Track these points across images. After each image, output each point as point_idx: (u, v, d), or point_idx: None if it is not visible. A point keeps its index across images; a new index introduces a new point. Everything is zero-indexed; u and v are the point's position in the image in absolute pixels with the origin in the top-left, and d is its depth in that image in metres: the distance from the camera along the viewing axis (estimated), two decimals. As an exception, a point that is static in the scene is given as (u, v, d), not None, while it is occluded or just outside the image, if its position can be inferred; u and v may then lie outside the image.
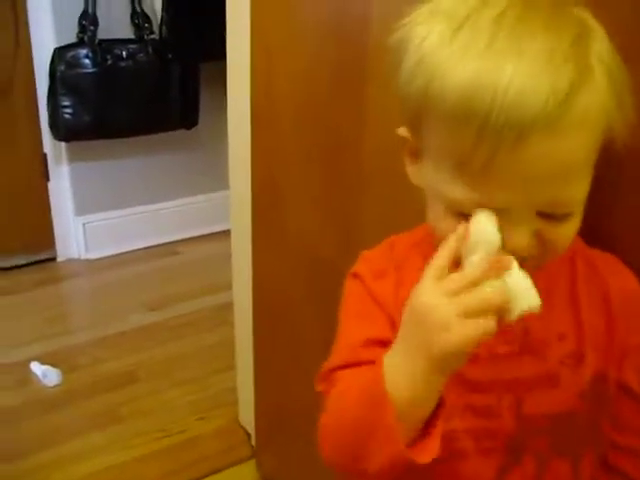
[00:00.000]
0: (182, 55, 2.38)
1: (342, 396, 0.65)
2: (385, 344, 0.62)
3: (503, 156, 0.53)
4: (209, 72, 2.35)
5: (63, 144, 2.44)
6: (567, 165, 0.55)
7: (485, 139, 0.53)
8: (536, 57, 0.53)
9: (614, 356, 0.67)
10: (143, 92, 2.35)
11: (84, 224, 2.60)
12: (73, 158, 2.49)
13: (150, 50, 2.34)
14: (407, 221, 0.98)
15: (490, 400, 0.66)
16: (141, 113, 2.36)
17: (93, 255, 2.64)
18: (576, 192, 0.58)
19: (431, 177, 0.61)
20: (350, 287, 0.74)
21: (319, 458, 1.41)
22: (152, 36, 2.37)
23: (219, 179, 1.53)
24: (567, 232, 0.60)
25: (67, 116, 2.26)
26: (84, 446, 1.68)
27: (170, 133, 2.50)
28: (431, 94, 0.56)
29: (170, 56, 2.37)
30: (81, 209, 2.58)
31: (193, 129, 2.52)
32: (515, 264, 0.55)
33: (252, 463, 1.64)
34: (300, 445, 1.45)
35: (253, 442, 1.66)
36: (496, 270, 0.54)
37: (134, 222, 2.69)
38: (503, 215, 0.56)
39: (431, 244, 0.63)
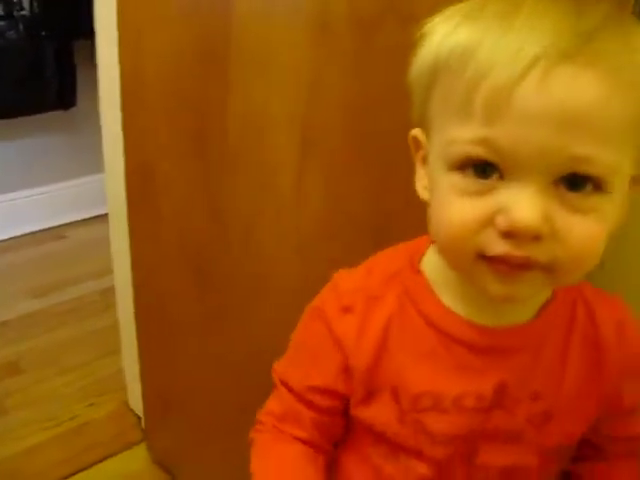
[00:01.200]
0: (56, 32, 2.27)
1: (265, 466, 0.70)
2: (330, 393, 0.64)
3: (518, 85, 0.46)
4: (85, 50, 2.27)
5: None
6: (590, 114, 0.46)
7: (497, 65, 0.46)
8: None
9: (591, 418, 0.63)
10: (15, 72, 2.23)
11: (-42, 212, 2.48)
12: (-57, 143, 2.37)
13: (21, 27, 2.23)
14: (276, 193, 1.00)
15: (447, 451, 0.63)
16: (14, 94, 2.25)
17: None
18: (603, 156, 0.47)
19: (437, 147, 0.54)
20: (311, 324, 0.67)
21: (207, 438, 1.43)
22: (22, 12, 2.25)
23: (100, 160, 1.49)
24: (586, 228, 0.48)
25: None
26: (-32, 442, 1.63)
27: (47, 114, 2.41)
28: (440, 57, 0.51)
29: (43, 33, 2.26)
30: (-46, 196, 2.46)
31: (71, 110, 2.44)
32: None
33: (143, 446, 1.64)
34: (189, 426, 1.46)
35: (143, 425, 1.65)
36: None
37: (12, 208, 2.58)
38: (511, 179, 0.48)
39: (408, 277, 0.62)
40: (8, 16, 2.23)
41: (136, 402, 1.67)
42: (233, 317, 1.13)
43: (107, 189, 1.48)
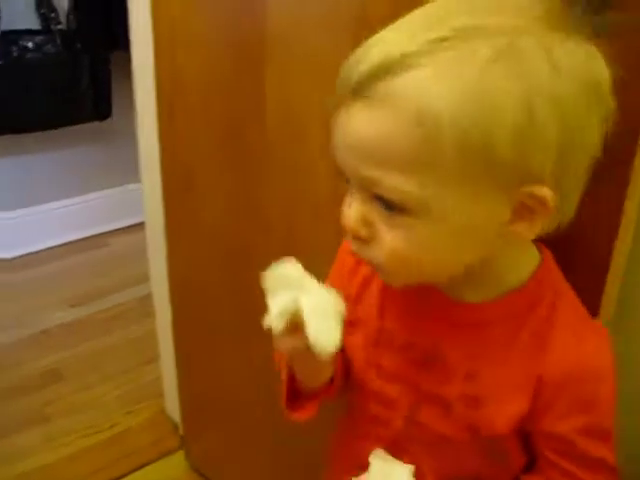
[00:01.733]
0: (91, 45, 2.32)
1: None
2: None
3: (337, 115, 0.56)
4: (120, 61, 2.30)
5: (-29, 141, 2.36)
6: (377, 152, 0.53)
7: (336, 96, 0.56)
8: (409, 27, 0.54)
9: (527, 424, 0.64)
10: (53, 84, 2.28)
11: (-2, 223, 2.53)
12: (-18, 155, 2.42)
13: (58, 41, 2.27)
14: (308, 201, 1.00)
15: (393, 392, 0.70)
16: (51, 106, 2.30)
17: (9, 254, 2.56)
18: (389, 180, 0.53)
19: None
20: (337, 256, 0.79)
21: (245, 444, 1.43)
22: (59, 26, 2.29)
23: (138, 169, 1.51)
24: (391, 240, 0.56)
25: (-26, 111, 2.19)
26: (10, 449, 1.65)
27: (84, 125, 2.44)
28: None
29: (79, 46, 2.30)
30: (-7, 208, 2.51)
31: (107, 120, 2.48)
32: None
33: (181, 453, 1.65)
34: (227, 432, 1.47)
35: (181, 432, 1.66)
36: None
37: (51, 218, 2.62)
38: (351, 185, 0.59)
39: None
40: (45, 30, 2.28)
41: (174, 409, 1.68)
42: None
43: (144, 198, 1.49)
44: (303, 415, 0.73)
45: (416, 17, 0.55)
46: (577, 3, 0.53)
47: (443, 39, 0.50)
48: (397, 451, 0.69)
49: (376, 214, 0.56)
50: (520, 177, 0.53)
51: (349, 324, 0.65)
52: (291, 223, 1.06)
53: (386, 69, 0.51)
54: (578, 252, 0.70)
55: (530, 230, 0.56)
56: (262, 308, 1.22)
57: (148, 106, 1.30)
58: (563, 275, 0.66)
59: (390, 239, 0.56)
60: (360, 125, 0.53)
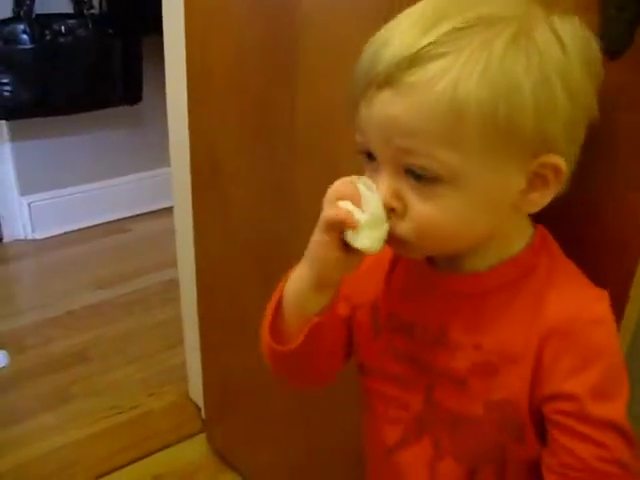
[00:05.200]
0: (123, 29, 2.34)
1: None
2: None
3: (362, 102, 0.60)
4: (152, 46, 2.30)
5: (4, 123, 2.39)
6: (410, 127, 0.57)
7: (355, 85, 0.61)
8: (421, 20, 0.58)
9: (536, 389, 0.63)
10: (84, 68, 2.30)
11: (29, 204, 2.56)
12: (15, 137, 2.45)
13: (90, 25, 2.29)
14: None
15: (408, 373, 0.71)
16: (83, 89, 2.32)
17: (40, 235, 2.60)
18: (420, 149, 0.58)
19: None
20: None
21: (267, 429, 1.44)
22: (92, 10, 2.31)
23: (166, 154, 1.52)
24: (423, 209, 0.60)
25: (6, 94, 2.21)
26: (36, 427, 1.68)
27: (114, 109, 2.46)
28: None
29: (111, 31, 2.33)
30: (26, 189, 2.55)
31: (137, 105, 2.49)
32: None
33: (203, 437, 1.66)
34: (249, 417, 1.48)
35: (203, 416, 1.68)
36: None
37: (80, 200, 2.66)
38: (379, 166, 0.61)
39: None
40: (78, 14, 2.30)
41: (197, 393, 1.69)
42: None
43: (173, 183, 1.50)
44: (292, 342, 0.70)
45: (427, 9, 0.59)
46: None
47: (460, 29, 0.55)
48: (419, 432, 0.71)
49: (407, 187, 0.60)
50: (537, 148, 0.58)
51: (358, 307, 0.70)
52: (320, 209, 1.06)
53: (410, 61, 0.56)
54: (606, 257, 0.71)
55: (543, 199, 0.61)
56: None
57: (178, 91, 1.31)
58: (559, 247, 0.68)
59: (422, 208, 0.59)
60: (393, 109, 0.57)
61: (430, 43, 0.55)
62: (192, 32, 1.23)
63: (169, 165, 1.51)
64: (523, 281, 0.65)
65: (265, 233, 1.21)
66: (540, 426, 0.65)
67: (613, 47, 0.63)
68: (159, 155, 2.51)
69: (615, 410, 0.61)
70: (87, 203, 2.67)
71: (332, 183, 0.96)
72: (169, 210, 1.59)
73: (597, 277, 0.66)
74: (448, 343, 0.67)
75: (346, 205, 0.61)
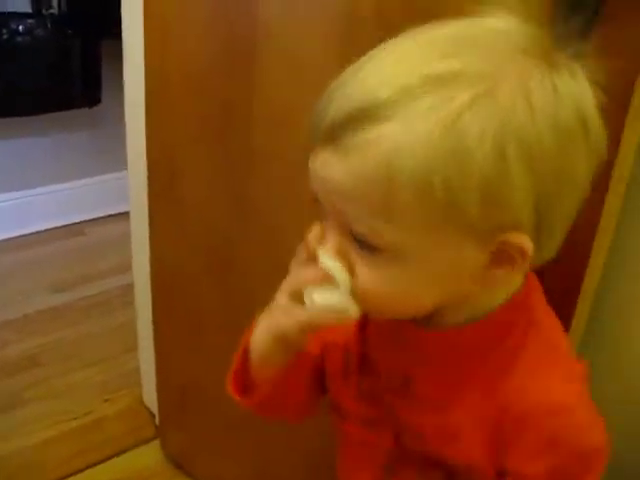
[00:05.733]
0: (82, 30, 2.30)
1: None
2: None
3: (313, 151, 0.56)
4: (111, 48, 2.28)
5: (-42, 123, 2.34)
6: (348, 193, 0.53)
7: (310, 130, 0.56)
8: (381, 71, 0.53)
9: (499, 456, 0.61)
10: (42, 68, 2.25)
11: (-16, 206, 2.51)
12: (-31, 138, 2.40)
13: (49, 25, 2.25)
14: (298, 190, 1.00)
15: (377, 414, 0.69)
16: (40, 91, 2.28)
17: (-5, 237, 2.55)
18: (367, 224, 0.54)
19: None
20: None
21: (221, 437, 1.43)
22: (51, 10, 2.27)
23: (124, 158, 1.50)
24: (362, 275, 0.57)
25: (-39, 93, 2.17)
26: (-12, 431, 1.65)
27: (72, 111, 2.42)
28: None
29: (70, 31, 2.28)
30: (-20, 191, 2.49)
31: (96, 107, 2.46)
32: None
33: (157, 443, 1.65)
34: (203, 423, 1.47)
35: (157, 422, 1.66)
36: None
37: (37, 203, 2.60)
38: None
39: None
40: (37, 14, 2.26)
41: (151, 399, 1.68)
42: (254, 313, 1.14)
43: (130, 186, 1.49)
44: (256, 399, 0.70)
45: (388, 58, 0.54)
46: (560, 24, 0.53)
47: (415, 86, 0.50)
48: (391, 474, 0.70)
49: (352, 248, 0.57)
50: (492, 226, 0.52)
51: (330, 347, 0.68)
52: (275, 216, 1.07)
53: (354, 120, 0.51)
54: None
55: (510, 275, 0.56)
56: (244, 299, 1.22)
57: (137, 95, 1.30)
58: (545, 300, 0.64)
59: (364, 275, 0.57)
60: (328, 169, 0.54)
61: (381, 102, 0.50)
62: (151, 36, 1.22)
63: (127, 168, 1.50)
64: (496, 343, 0.61)
65: (221, 239, 1.21)
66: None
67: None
68: (117, 158, 2.49)
69: None
70: (45, 205, 2.62)
71: (287, 191, 0.96)
72: (124, 215, 1.58)
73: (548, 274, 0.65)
74: (412, 396, 0.65)
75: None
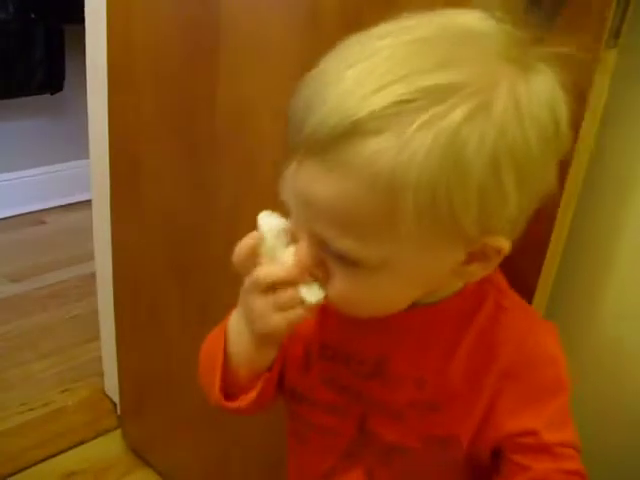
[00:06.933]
0: (46, 15, 2.27)
1: (207, 340, 0.72)
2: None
3: (293, 159, 0.53)
4: (74, 34, 2.25)
5: None
6: (336, 215, 0.51)
7: (290, 134, 0.53)
8: (368, 79, 0.48)
9: (485, 428, 0.63)
10: (3, 53, 2.22)
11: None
12: None
13: (11, 9, 2.21)
14: (260, 181, 1.00)
15: (340, 401, 0.69)
16: (1, 75, 2.25)
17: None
18: (350, 247, 0.52)
19: None
20: None
21: (182, 427, 1.43)
22: (13, -6, 2.24)
23: (85, 146, 1.49)
24: (353, 288, 0.56)
25: None
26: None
27: (34, 97, 2.39)
28: None
29: (33, 16, 2.25)
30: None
31: (58, 94, 2.43)
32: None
33: (118, 433, 1.64)
34: (164, 414, 1.46)
35: (119, 412, 1.65)
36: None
37: (-6, 190, 2.57)
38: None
39: None
40: (-2, -2, 2.22)
41: (112, 389, 1.67)
42: (214, 305, 1.14)
43: (92, 175, 1.47)
44: (243, 402, 0.67)
45: (371, 64, 0.49)
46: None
47: (408, 100, 0.47)
48: (351, 461, 0.70)
49: (329, 257, 0.55)
50: (480, 232, 0.52)
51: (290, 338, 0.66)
52: (237, 207, 1.06)
53: (344, 132, 0.48)
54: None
55: (484, 271, 0.58)
56: (205, 290, 1.22)
57: (99, 82, 1.29)
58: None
59: (342, 285, 0.56)
60: (314, 184, 0.51)
61: (373, 114, 0.47)
62: (114, 22, 1.21)
63: (89, 157, 1.48)
64: (471, 315, 0.63)
65: (182, 229, 1.21)
66: (476, 467, 0.65)
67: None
68: (79, 146, 2.45)
69: (570, 434, 0.61)
70: (4, 193, 2.58)
71: (249, 183, 0.95)
72: (84, 204, 1.56)
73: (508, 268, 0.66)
74: (387, 376, 0.65)
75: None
